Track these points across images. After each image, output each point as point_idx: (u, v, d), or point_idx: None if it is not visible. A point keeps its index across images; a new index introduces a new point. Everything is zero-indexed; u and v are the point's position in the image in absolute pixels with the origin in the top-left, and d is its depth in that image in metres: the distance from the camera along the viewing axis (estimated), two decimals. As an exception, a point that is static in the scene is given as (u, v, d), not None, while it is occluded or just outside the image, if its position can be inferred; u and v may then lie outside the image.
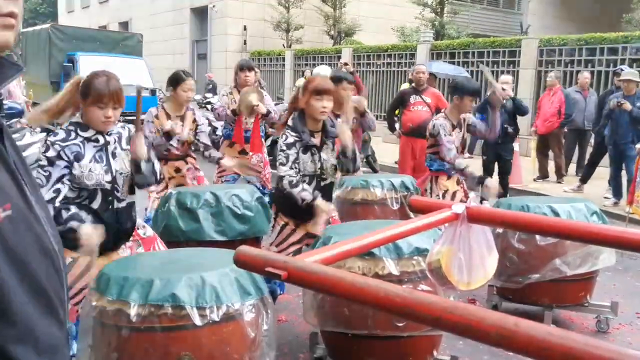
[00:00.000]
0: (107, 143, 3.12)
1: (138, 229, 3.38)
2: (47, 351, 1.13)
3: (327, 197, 3.94)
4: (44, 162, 2.93)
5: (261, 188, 6.08)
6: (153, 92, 14.67)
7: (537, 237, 4.09)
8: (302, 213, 3.81)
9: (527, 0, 28.57)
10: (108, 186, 3.07)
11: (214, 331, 2.44)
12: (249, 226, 4.23)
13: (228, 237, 4.11)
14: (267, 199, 5.65)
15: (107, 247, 3.10)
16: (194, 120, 5.15)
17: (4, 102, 8.46)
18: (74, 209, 2.93)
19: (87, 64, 14.37)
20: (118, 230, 3.18)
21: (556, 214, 4.11)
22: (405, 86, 12.11)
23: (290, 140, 3.75)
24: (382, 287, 1.25)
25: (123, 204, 3.20)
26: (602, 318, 4.41)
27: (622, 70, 9.19)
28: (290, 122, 3.87)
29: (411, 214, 3.56)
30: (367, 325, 3.11)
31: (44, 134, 8.63)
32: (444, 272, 1.88)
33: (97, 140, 3.08)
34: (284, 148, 3.74)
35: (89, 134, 3.06)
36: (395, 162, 9.44)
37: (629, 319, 4.62)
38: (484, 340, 1.12)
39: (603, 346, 0.98)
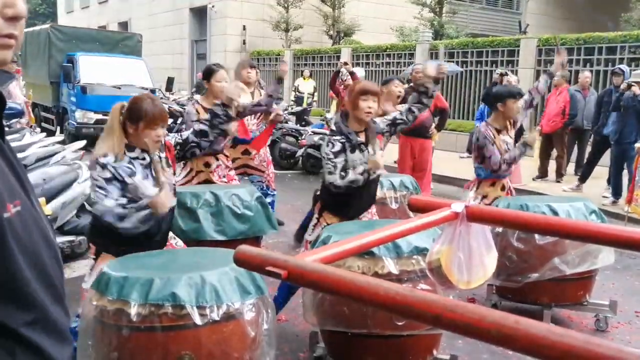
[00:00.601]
0: (151, 161, 3.25)
1: (170, 240, 3.46)
2: (59, 336, 1.21)
3: (374, 190, 4.08)
4: (101, 183, 3.05)
5: (264, 188, 6.08)
6: (152, 92, 14.67)
7: (536, 236, 4.10)
8: (352, 210, 3.90)
9: (525, 0, 28.58)
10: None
11: (214, 330, 2.44)
12: (248, 226, 4.23)
13: (228, 237, 4.12)
14: (269, 199, 5.66)
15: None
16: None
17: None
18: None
19: (87, 64, 14.39)
20: (153, 240, 3.26)
21: (555, 213, 4.12)
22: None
23: (338, 147, 3.76)
24: (382, 286, 1.25)
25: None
26: (601, 317, 4.42)
27: (620, 70, 9.19)
28: (333, 127, 3.91)
29: (410, 214, 3.57)
30: (366, 325, 3.12)
31: (44, 134, 8.64)
32: (443, 271, 1.88)
33: (144, 159, 3.22)
34: (332, 157, 3.73)
35: (135, 154, 3.19)
36: (395, 162, 9.44)
37: (628, 318, 4.63)
38: (484, 339, 1.12)
39: (604, 344, 0.99)
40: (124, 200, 3.07)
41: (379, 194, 5.06)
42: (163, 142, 3.35)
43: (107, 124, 3.23)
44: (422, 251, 3.08)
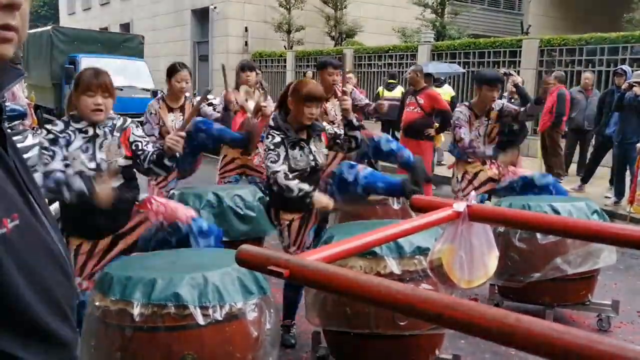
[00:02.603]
0: (96, 135, 3.26)
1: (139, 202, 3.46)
2: (65, 356, 1.13)
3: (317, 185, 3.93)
4: (47, 144, 3.15)
5: (264, 189, 6.08)
6: (154, 93, 14.69)
7: (538, 236, 4.10)
8: (304, 203, 3.75)
9: (527, 1, 28.57)
10: (92, 173, 3.19)
11: (217, 330, 2.45)
12: (251, 226, 4.24)
13: (230, 238, 4.12)
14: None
15: (105, 231, 3.33)
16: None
17: (7, 104, 8.47)
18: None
19: (89, 65, 14.38)
20: (112, 215, 3.26)
21: (557, 212, 4.12)
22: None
23: (277, 139, 3.73)
24: (383, 284, 1.26)
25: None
26: (604, 317, 4.41)
27: (622, 70, 9.18)
28: (271, 122, 3.84)
29: (413, 214, 3.58)
30: (369, 325, 3.12)
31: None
32: (445, 271, 1.89)
33: (86, 132, 3.25)
34: (272, 147, 3.70)
35: (80, 125, 3.25)
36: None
37: (630, 318, 4.62)
38: (485, 337, 1.13)
39: (605, 342, 0.99)
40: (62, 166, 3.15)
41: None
42: (123, 123, 3.37)
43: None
44: (424, 251, 3.08)
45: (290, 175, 3.64)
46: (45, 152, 3.14)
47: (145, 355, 2.44)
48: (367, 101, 6.32)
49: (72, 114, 3.28)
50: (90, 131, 3.25)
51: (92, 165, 3.21)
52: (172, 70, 5.26)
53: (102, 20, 31.15)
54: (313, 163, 3.81)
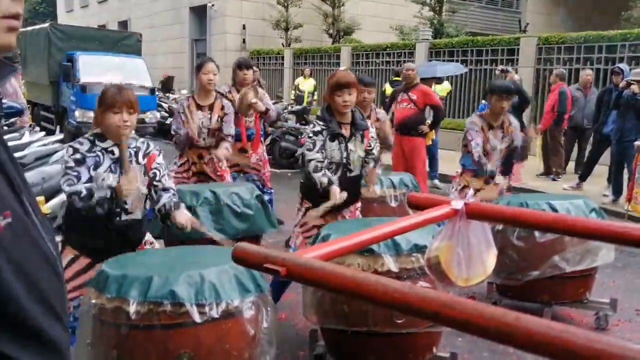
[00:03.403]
0: (120, 152, 3.19)
1: (145, 244, 3.41)
2: (57, 356, 1.11)
3: (354, 189, 4.05)
4: (72, 164, 3.08)
5: (261, 187, 6.08)
6: (152, 91, 14.66)
7: (537, 234, 4.09)
8: (322, 199, 3.88)
9: (525, -1, 28.58)
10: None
11: (214, 328, 2.43)
12: (248, 224, 4.23)
13: (228, 236, 4.11)
14: (266, 197, 5.66)
15: (114, 253, 3.12)
16: (222, 108, 5.24)
17: (4, 101, 8.46)
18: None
19: (87, 63, 14.35)
20: (123, 240, 3.22)
21: (555, 210, 4.11)
22: (386, 86, 12.18)
23: (318, 128, 3.91)
24: (380, 282, 1.25)
25: (133, 217, 3.26)
26: (602, 315, 4.41)
27: (620, 69, 9.17)
28: (319, 113, 4.02)
29: (410, 212, 3.57)
30: (366, 323, 3.11)
31: (43, 133, 8.64)
32: (442, 268, 1.88)
33: (112, 152, 3.18)
34: (311, 135, 3.89)
35: (106, 144, 3.17)
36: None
37: (628, 316, 4.62)
38: (483, 335, 1.12)
39: (604, 340, 0.98)
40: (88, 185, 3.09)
41: (379, 192, 5.06)
42: (147, 148, 3.33)
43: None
44: (421, 249, 3.08)
45: (320, 166, 3.83)
46: (70, 172, 3.07)
47: (141, 353, 2.43)
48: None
49: (97, 133, 3.20)
50: (117, 151, 3.18)
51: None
52: (200, 65, 5.21)
53: (100, 18, 31.10)
54: (345, 160, 3.94)
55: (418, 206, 2.04)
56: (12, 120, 8.88)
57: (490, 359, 3.89)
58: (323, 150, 3.88)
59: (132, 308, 2.39)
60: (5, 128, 7.83)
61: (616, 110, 8.43)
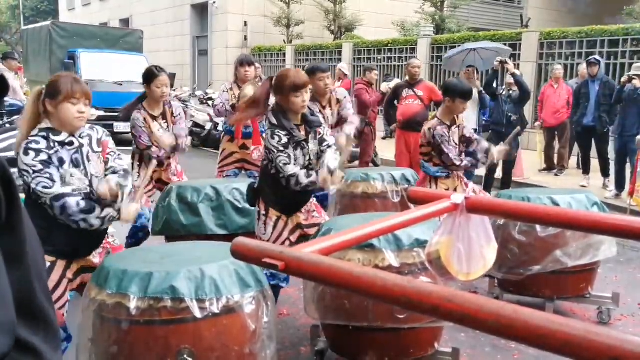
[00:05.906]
0: (81, 145, 2.99)
1: (108, 237, 3.26)
2: (57, 345, 1.14)
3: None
4: (40, 167, 2.81)
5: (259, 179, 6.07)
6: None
7: (538, 228, 4.08)
8: (293, 205, 3.82)
9: (527, -6, 28.51)
10: (87, 190, 2.96)
11: (214, 323, 2.43)
12: (249, 220, 4.22)
13: (229, 231, 4.12)
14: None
15: (82, 252, 3.08)
16: (172, 114, 5.05)
17: (5, 99, 8.47)
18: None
19: (88, 60, 14.38)
20: (93, 235, 3.06)
21: (557, 204, 4.10)
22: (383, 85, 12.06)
23: (284, 140, 3.64)
24: (379, 277, 1.24)
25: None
26: (604, 309, 4.40)
27: (596, 60, 9.14)
28: (274, 121, 3.70)
29: (412, 207, 3.56)
30: (367, 318, 3.11)
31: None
32: (443, 263, 1.87)
33: (71, 144, 2.96)
34: (282, 149, 3.62)
35: (62, 137, 2.93)
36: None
37: (631, 311, 4.61)
38: (483, 329, 1.11)
39: (604, 333, 0.97)
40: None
41: (380, 187, 5.05)
42: (98, 134, 3.11)
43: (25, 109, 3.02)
44: (422, 244, 3.07)
45: (303, 173, 3.64)
46: (41, 175, 2.80)
47: (142, 348, 2.43)
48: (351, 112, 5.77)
49: (47, 127, 2.92)
50: (75, 142, 2.96)
51: (86, 182, 2.96)
52: (151, 75, 4.86)
53: (102, 16, 31.11)
54: (307, 162, 3.79)
55: (418, 201, 2.03)
56: (14, 118, 8.89)
57: (492, 354, 3.88)
58: (295, 160, 3.68)
59: (132, 304, 2.39)
60: (7, 126, 7.84)
61: (619, 105, 8.44)
